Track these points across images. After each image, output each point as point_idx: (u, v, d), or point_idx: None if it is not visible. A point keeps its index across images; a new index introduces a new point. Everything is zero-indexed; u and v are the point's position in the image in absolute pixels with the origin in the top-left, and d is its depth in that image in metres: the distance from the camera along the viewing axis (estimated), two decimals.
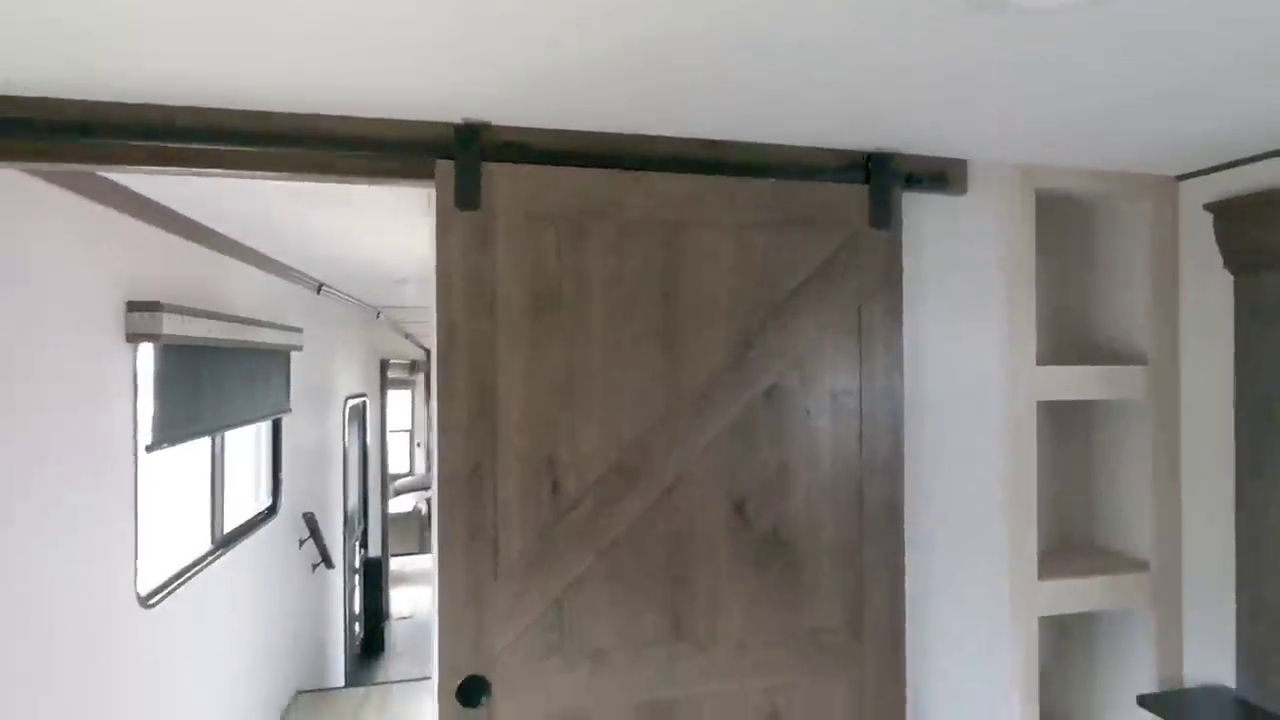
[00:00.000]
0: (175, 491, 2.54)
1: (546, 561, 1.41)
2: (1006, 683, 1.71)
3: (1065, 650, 2.04)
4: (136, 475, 1.96)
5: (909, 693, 1.59)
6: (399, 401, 9.02)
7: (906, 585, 1.58)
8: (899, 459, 1.59)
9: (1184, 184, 1.80)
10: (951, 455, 1.68)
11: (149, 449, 2.00)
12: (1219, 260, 1.69)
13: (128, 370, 1.93)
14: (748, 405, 1.51)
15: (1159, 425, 1.82)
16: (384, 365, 6.36)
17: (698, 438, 1.48)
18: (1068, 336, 2.03)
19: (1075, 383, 1.80)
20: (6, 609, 1.45)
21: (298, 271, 3.32)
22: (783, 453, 1.53)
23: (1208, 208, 1.70)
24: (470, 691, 1.37)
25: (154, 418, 2.01)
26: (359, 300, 4.61)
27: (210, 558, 2.55)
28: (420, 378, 9.75)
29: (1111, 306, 1.95)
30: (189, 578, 2.34)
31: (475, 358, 1.38)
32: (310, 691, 3.73)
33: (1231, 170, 1.67)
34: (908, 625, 1.58)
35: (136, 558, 1.97)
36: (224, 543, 2.71)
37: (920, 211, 1.63)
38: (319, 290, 3.76)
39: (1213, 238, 1.70)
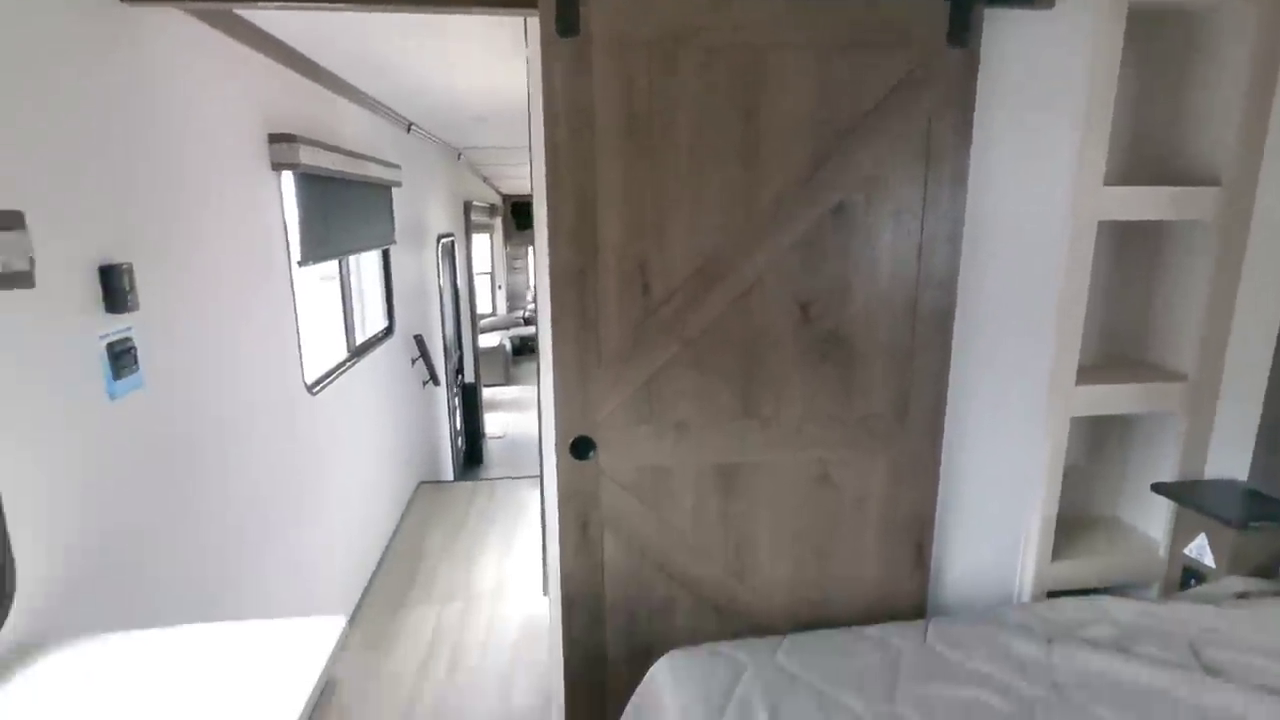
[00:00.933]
0: (317, 307, 2.98)
1: (639, 350, 1.70)
2: (1033, 472, 1.96)
3: (1097, 450, 2.27)
4: (293, 285, 2.35)
5: (941, 472, 1.87)
6: (480, 245, 9.42)
7: (951, 381, 1.80)
8: (954, 273, 1.75)
9: None
10: (1008, 269, 1.82)
11: (300, 264, 2.37)
12: None
13: (275, 195, 2.25)
14: (817, 220, 1.69)
15: (1224, 246, 1.89)
16: (467, 207, 6.64)
17: (770, 248, 1.68)
18: (1146, 157, 2.04)
19: (1141, 204, 1.87)
20: (221, 393, 1.88)
21: (391, 110, 3.51)
22: (846, 264, 1.72)
23: None
24: (580, 447, 1.73)
25: (299, 238, 2.36)
26: (443, 140, 4.80)
27: (348, 364, 3.03)
28: (498, 221, 10.07)
29: (1195, 126, 1.94)
30: (336, 377, 2.82)
31: (577, 174, 1.59)
32: (430, 483, 4.44)
33: None
34: (949, 415, 1.82)
35: (301, 353, 2.41)
36: (357, 352, 3.18)
37: (1001, 28, 1.65)
38: (409, 129, 3.96)
39: None
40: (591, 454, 1.74)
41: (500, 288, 10.76)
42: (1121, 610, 1.62)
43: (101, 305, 1.37)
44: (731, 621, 1.84)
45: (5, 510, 1.12)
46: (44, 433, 1.23)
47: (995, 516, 1.98)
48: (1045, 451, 1.94)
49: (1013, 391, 1.90)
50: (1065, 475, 1.99)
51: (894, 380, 1.79)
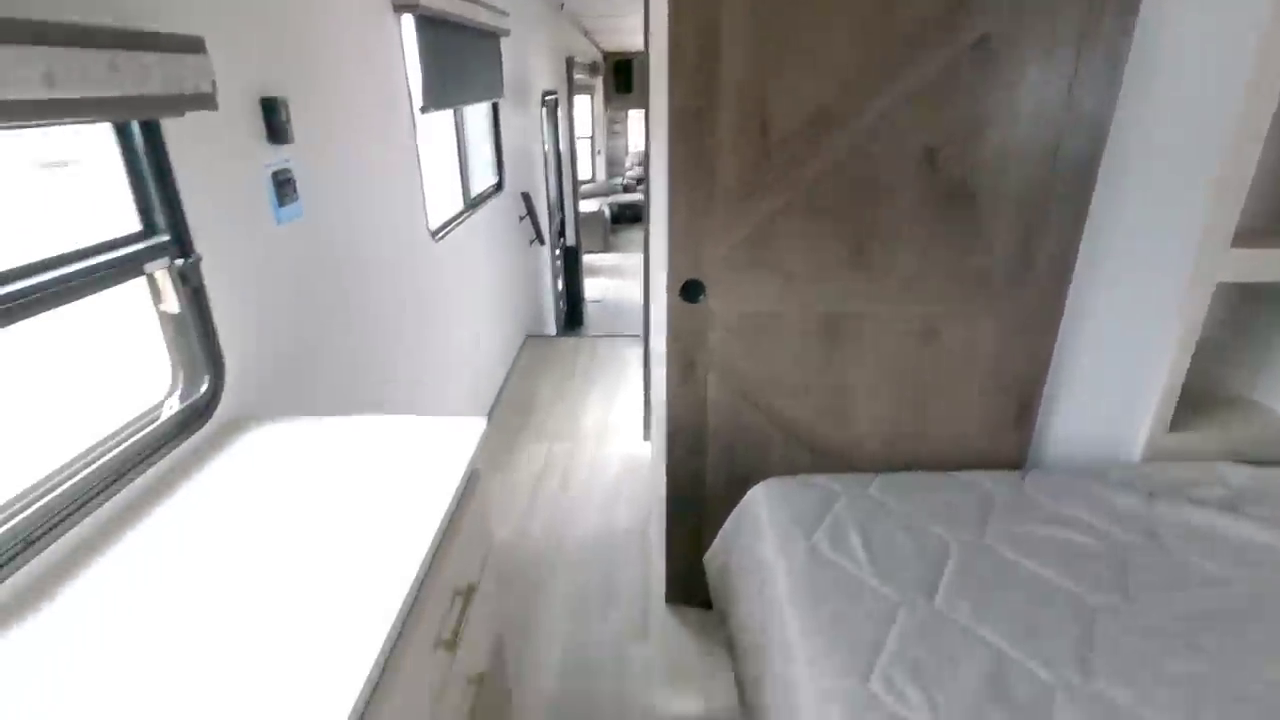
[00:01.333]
0: (435, 157, 3.10)
1: (752, 195, 1.70)
2: (1162, 340, 1.85)
3: (1240, 323, 2.11)
4: (416, 132, 2.45)
5: (1060, 333, 1.81)
6: (580, 107, 9.22)
7: (1085, 235, 1.70)
8: (1107, 116, 1.60)
9: None
10: (1171, 114, 1.63)
11: (422, 110, 2.45)
12: None
13: (397, 39, 2.29)
14: (955, 56, 1.56)
15: None
16: (569, 64, 6.45)
17: (900, 87, 1.59)
18: None
19: None
20: (361, 230, 2.04)
21: None
22: (982, 105, 1.60)
23: None
24: (690, 290, 1.79)
25: (421, 83, 2.42)
26: None
27: (464, 215, 3.18)
28: (599, 82, 9.75)
29: None
30: (454, 227, 2.98)
31: (701, 4, 1.53)
32: (536, 336, 4.71)
33: None
34: (1078, 270, 1.74)
35: (425, 200, 2.56)
36: (471, 205, 3.32)
37: None
38: None
39: None
40: (701, 297, 1.80)
41: (600, 153, 10.62)
42: (1236, 474, 1.58)
43: (264, 135, 1.51)
44: (824, 462, 1.93)
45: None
46: (233, 247, 1.41)
47: (1111, 382, 1.92)
48: (1179, 319, 1.83)
49: (1152, 250, 1.77)
50: (1197, 347, 1.88)
51: (1020, 233, 1.71)
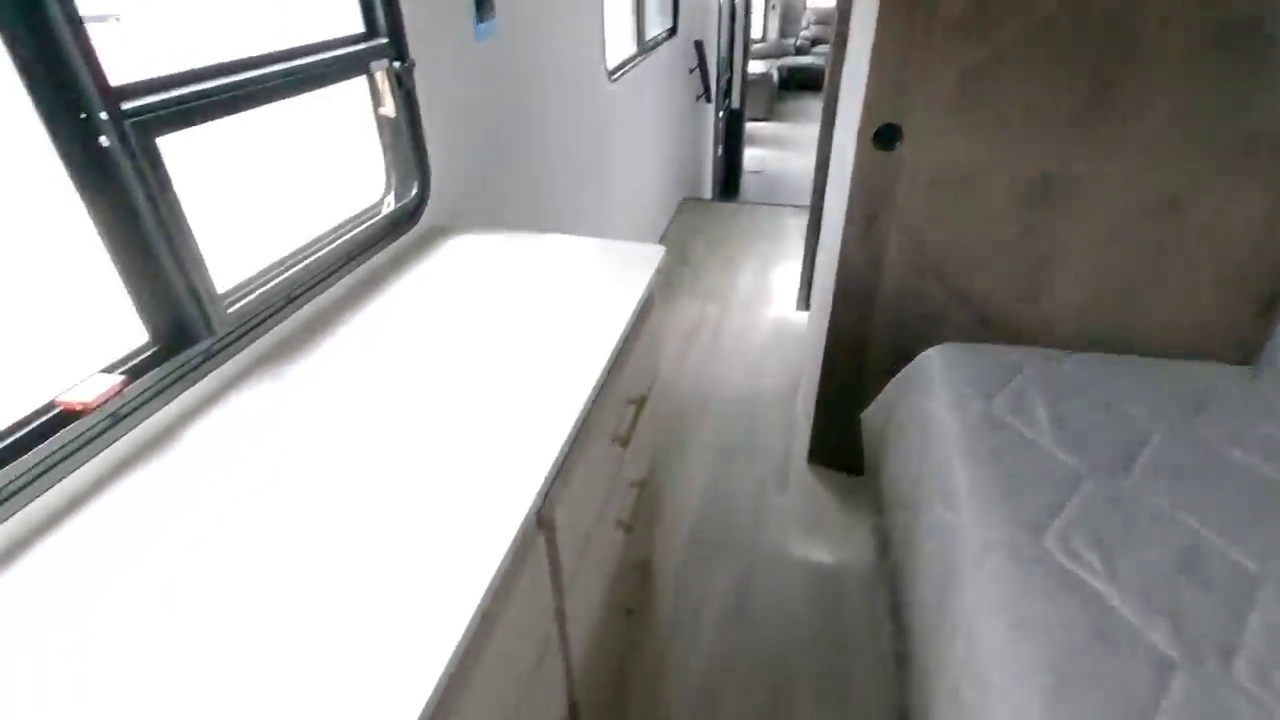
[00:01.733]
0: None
1: (976, 28, 1.49)
2: None
3: None
4: None
5: None
6: None
7: None
8: None
9: None
10: None
11: None
12: None
13: None
14: None
15: None
16: None
17: None
18: None
19: None
20: (549, 56, 2.03)
21: None
22: None
23: None
24: (885, 136, 1.65)
25: None
26: None
27: (638, 58, 3.07)
28: None
29: None
30: (629, 69, 2.90)
31: None
32: (693, 199, 4.63)
33: None
34: None
35: (604, 41, 2.49)
36: (645, 50, 3.20)
37: None
38: None
39: None
40: (896, 144, 1.65)
41: (774, 7, 9.74)
42: None
43: None
44: (1006, 340, 1.80)
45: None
46: (438, 58, 1.46)
47: None
48: None
49: None
50: None
51: None
